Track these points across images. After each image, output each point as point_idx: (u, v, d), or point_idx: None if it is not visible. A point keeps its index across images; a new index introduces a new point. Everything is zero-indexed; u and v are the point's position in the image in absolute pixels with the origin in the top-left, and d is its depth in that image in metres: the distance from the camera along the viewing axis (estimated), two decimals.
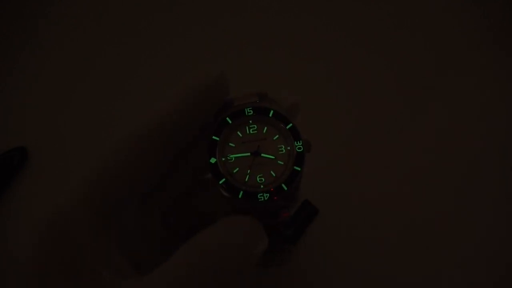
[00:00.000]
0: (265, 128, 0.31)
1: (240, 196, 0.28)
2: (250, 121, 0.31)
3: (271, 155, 0.30)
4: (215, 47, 0.52)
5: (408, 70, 0.51)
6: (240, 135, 0.31)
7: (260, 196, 0.28)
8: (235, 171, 0.30)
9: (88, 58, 0.53)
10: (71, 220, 0.24)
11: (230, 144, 0.31)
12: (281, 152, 0.30)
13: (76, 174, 0.25)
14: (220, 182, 0.29)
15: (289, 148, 0.30)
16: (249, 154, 0.30)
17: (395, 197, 0.45)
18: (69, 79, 0.52)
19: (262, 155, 0.30)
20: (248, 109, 0.31)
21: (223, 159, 0.30)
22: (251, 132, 0.31)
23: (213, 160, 0.30)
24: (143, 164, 0.26)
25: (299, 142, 0.30)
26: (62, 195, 0.25)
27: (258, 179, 0.30)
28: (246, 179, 0.30)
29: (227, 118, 0.31)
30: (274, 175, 0.30)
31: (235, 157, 0.30)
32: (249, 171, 0.30)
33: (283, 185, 0.29)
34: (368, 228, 0.44)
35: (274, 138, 0.31)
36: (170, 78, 0.50)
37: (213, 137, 0.30)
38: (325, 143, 0.44)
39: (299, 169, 0.29)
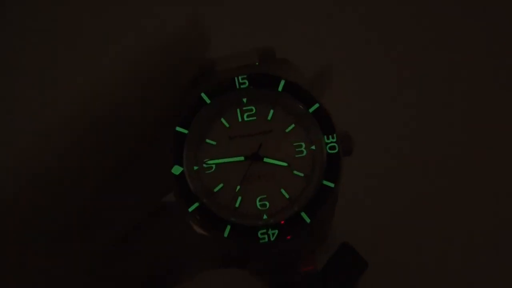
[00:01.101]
0: (271, 112, 0.27)
1: (226, 233, 0.24)
2: (244, 100, 0.27)
3: (282, 160, 0.26)
4: None
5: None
6: (227, 124, 0.27)
7: (262, 234, 0.24)
8: (217, 188, 0.26)
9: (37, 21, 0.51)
10: None
11: (209, 141, 0.27)
12: (300, 155, 0.26)
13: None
14: (191, 208, 0.25)
15: (313, 147, 0.26)
16: (242, 158, 0.26)
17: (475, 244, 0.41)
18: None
19: (266, 159, 0.26)
20: (240, 78, 0.27)
21: (196, 167, 0.26)
22: (245, 119, 0.27)
23: (177, 170, 0.25)
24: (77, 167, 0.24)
25: (332, 137, 0.26)
26: None
27: (258, 203, 0.26)
28: (237, 203, 0.25)
29: (203, 95, 0.26)
30: (287, 196, 0.26)
31: (217, 163, 0.26)
32: (239, 188, 0.26)
33: (303, 215, 0.25)
34: None
35: (287, 130, 0.27)
36: (121, 30, 0.46)
37: (177, 128, 0.26)
38: (374, 140, 0.39)
39: (332, 185, 0.25)
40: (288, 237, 0.25)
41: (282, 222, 0.25)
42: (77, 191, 0.24)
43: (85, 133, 0.24)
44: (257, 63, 0.28)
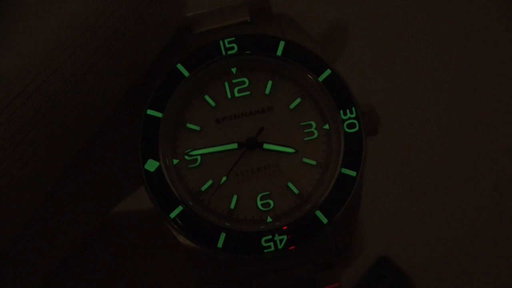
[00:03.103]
0: (269, 83, 0.24)
1: (220, 243, 0.22)
2: (234, 70, 0.24)
3: (287, 146, 0.23)
4: None
5: None
6: (212, 103, 0.23)
7: (266, 241, 0.22)
8: (205, 186, 0.23)
9: None
10: None
11: (191, 125, 0.23)
12: (310, 138, 0.23)
13: None
14: (172, 214, 0.22)
15: (327, 127, 0.23)
16: (235, 145, 0.23)
17: None
18: None
19: (266, 146, 0.23)
20: (227, 41, 0.24)
21: (176, 161, 0.23)
22: (236, 94, 0.24)
23: (152, 166, 0.22)
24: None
25: (351, 111, 0.23)
26: None
27: (259, 202, 0.23)
28: (232, 204, 0.23)
29: (179, 66, 0.23)
30: (296, 191, 0.23)
31: (203, 154, 0.23)
32: (227, 181, 0.23)
33: (318, 214, 0.22)
34: None
35: (292, 106, 0.24)
36: None
37: (149, 111, 0.23)
38: (407, 114, 0.35)
39: (353, 174, 0.23)
40: (301, 245, 0.22)
41: (285, 227, 0.22)
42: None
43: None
44: (248, 20, 0.24)
